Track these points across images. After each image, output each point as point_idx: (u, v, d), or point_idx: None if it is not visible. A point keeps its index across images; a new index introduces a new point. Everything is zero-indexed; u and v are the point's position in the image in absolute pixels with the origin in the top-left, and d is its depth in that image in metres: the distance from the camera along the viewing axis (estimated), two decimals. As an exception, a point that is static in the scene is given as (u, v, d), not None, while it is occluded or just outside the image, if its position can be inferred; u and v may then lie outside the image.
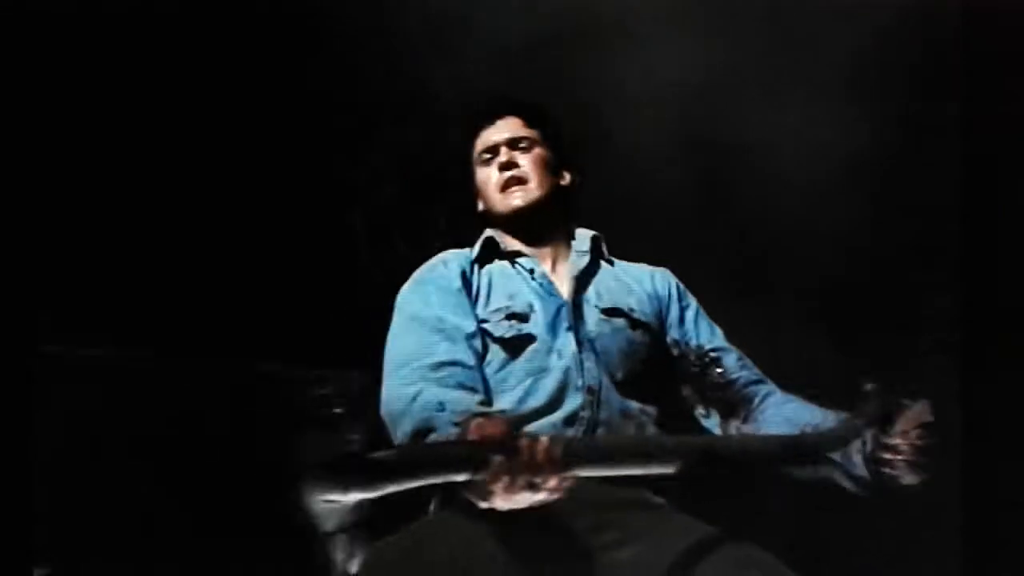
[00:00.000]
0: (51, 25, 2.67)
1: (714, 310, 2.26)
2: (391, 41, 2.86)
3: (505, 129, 2.20)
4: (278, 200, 2.82)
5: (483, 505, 1.59)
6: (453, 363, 1.88)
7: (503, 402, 1.92)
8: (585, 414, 1.92)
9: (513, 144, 2.18)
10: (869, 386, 1.74)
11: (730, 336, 2.18)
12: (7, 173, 2.67)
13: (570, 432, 1.89)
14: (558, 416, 1.91)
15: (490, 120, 2.21)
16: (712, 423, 2.03)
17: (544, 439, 1.58)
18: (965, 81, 2.76)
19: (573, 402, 1.92)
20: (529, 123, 2.20)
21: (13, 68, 2.64)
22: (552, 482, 1.57)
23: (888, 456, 1.71)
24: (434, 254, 2.14)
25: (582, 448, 1.67)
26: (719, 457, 1.69)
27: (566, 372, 1.95)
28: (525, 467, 1.55)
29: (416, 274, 2.08)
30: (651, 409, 1.99)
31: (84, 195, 2.75)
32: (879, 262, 2.89)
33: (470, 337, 1.95)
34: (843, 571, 2.45)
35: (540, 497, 1.58)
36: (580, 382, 1.94)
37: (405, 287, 2.07)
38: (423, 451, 1.65)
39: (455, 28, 2.79)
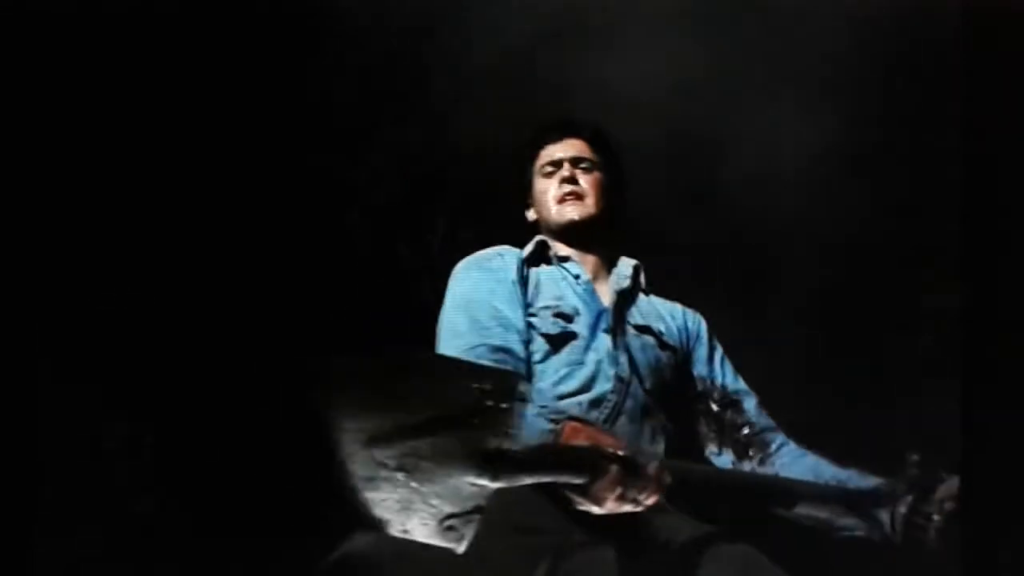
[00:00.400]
0: (51, 25, 2.67)
1: (712, 310, 2.29)
2: (391, 41, 2.86)
3: (571, 148, 2.35)
4: (277, 200, 2.82)
5: (591, 509, 1.73)
6: (507, 350, 2.02)
7: (538, 387, 2.05)
8: (612, 398, 2.05)
9: (576, 162, 2.33)
10: (914, 456, 1.96)
11: (728, 336, 2.23)
12: (7, 173, 2.67)
13: (594, 414, 2.03)
14: (585, 397, 2.04)
15: (558, 137, 2.37)
16: (723, 461, 2.17)
17: (656, 460, 1.77)
18: (965, 81, 2.76)
19: (602, 387, 2.06)
20: (593, 147, 2.36)
21: (13, 68, 2.64)
22: (652, 499, 1.74)
23: (921, 521, 1.92)
24: (433, 254, 2.22)
25: (682, 473, 1.84)
26: (792, 497, 1.86)
27: (599, 364, 2.09)
28: (638, 482, 1.71)
29: (473, 260, 2.20)
30: (669, 425, 2.07)
31: (85, 195, 2.75)
32: (879, 262, 2.89)
33: (520, 330, 2.08)
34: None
35: (636, 509, 1.75)
36: (611, 372, 2.08)
37: (461, 269, 2.19)
38: (556, 451, 1.77)
39: (455, 28, 2.79)
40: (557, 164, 2.34)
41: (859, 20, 2.77)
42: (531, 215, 2.40)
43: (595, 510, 1.74)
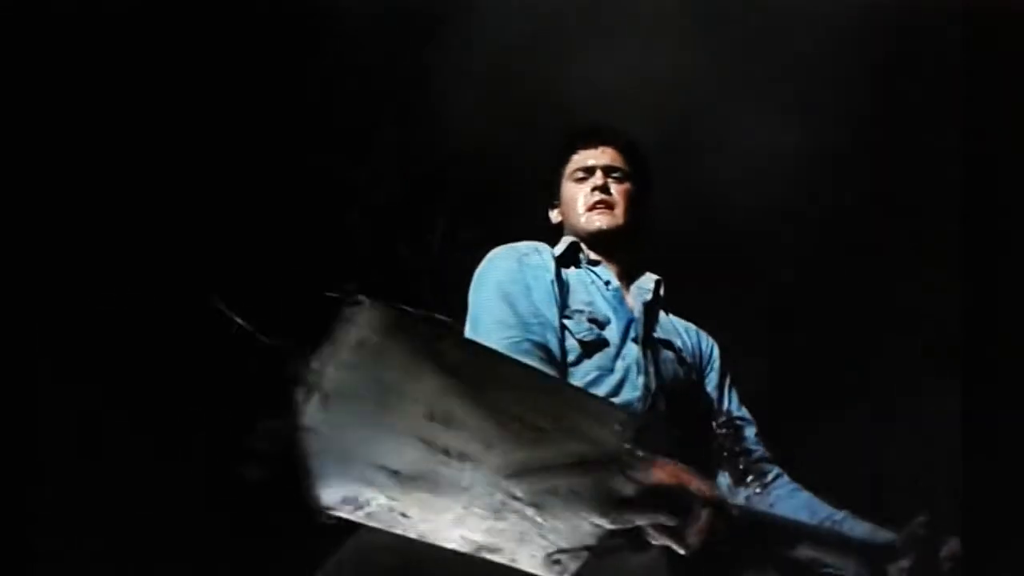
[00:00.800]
0: (51, 25, 2.67)
1: (712, 312, 2.29)
2: (391, 41, 2.86)
3: (605, 156, 2.32)
4: (277, 200, 2.82)
5: (672, 547, 1.72)
6: (547, 349, 2.00)
7: None
8: (638, 407, 2.04)
9: (609, 171, 2.30)
10: (921, 518, 1.97)
11: (727, 337, 2.24)
12: (7, 173, 2.67)
13: None
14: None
15: (593, 144, 2.34)
16: (720, 483, 2.15)
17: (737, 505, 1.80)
18: (965, 81, 2.76)
19: (629, 395, 2.05)
20: (626, 157, 2.33)
21: (13, 68, 2.64)
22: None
23: None
24: (433, 255, 2.20)
25: (752, 516, 1.89)
26: (830, 547, 1.95)
27: (627, 371, 2.08)
28: (722, 525, 1.73)
29: (510, 251, 2.16)
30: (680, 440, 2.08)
31: (86, 195, 2.75)
32: (879, 263, 2.89)
33: (556, 330, 2.06)
34: None
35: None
36: (639, 381, 2.07)
37: (498, 258, 2.15)
38: (661, 494, 1.75)
39: (455, 28, 2.79)
40: (590, 171, 2.32)
41: (859, 20, 2.77)
42: (555, 217, 2.39)
43: (676, 549, 1.73)
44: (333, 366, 1.37)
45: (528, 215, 2.45)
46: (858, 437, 2.84)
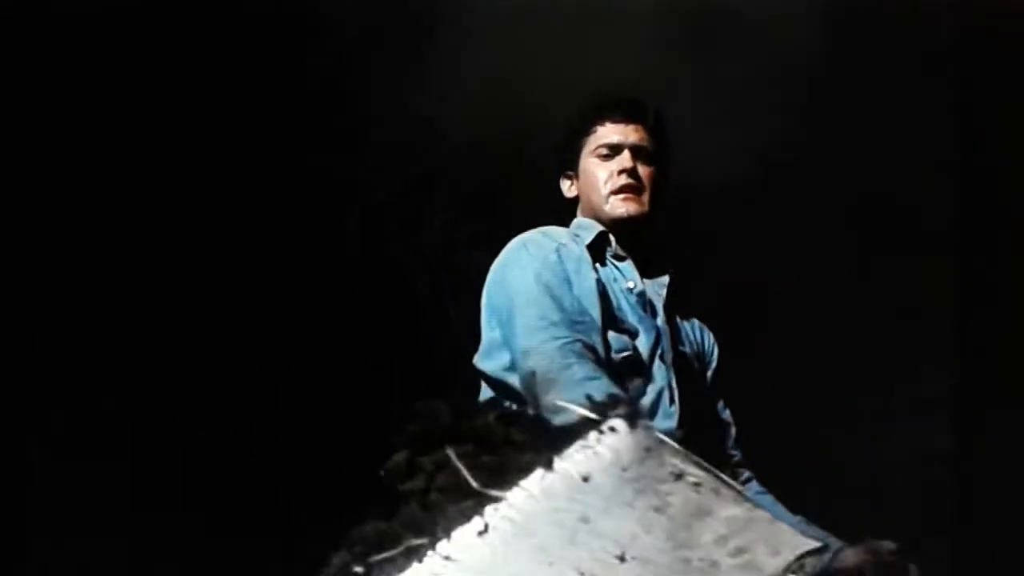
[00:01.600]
0: (52, 25, 2.68)
1: (712, 317, 2.27)
2: (391, 41, 2.87)
3: (634, 134, 2.12)
4: (277, 199, 2.82)
5: None
6: (597, 352, 1.91)
7: None
8: (676, 435, 1.88)
9: (637, 152, 2.11)
10: (889, 543, 1.88)
11: (728, 345, 2.22)
12: (7, 173, 2.68)
13: None
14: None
15: (621, 118, 2.13)
16: None
17: None
18: (963, 81, 2.77)
19: (662, 423, 1.94)
20: (654, 137, 2.14)
21: (13, 68, 2.65)
22: None
23: None
24: (429, 253, 2.16)
25: None
26: None
27: (658, 395, 1.99)
28: None
29: (546, 239, 2.04)
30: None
31: (85, 196, 2.76)
32: (878, 268, 2.90)
33: (600, 332, 1.96)
34: None
35: None
36: (672, 409, 1.99)
37: (535, 248, 2.02)
38: None
39: (455, 28, 2.79)
40: (616, 149, 2.10)
41: (857, 21, 2.78)
42: (570, 190, 2.17)
43: None
44: (527, 496, 1.17)
45: (527, 214, 2.43)
46: (855, 437, 2.84)
